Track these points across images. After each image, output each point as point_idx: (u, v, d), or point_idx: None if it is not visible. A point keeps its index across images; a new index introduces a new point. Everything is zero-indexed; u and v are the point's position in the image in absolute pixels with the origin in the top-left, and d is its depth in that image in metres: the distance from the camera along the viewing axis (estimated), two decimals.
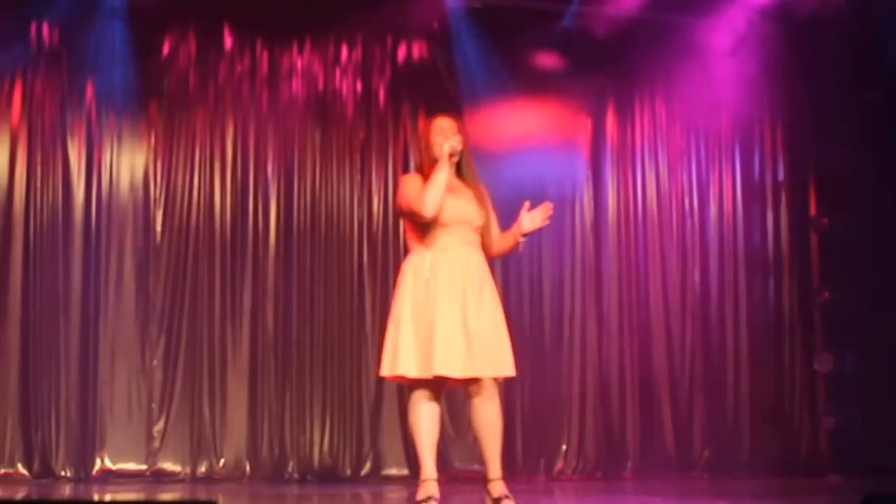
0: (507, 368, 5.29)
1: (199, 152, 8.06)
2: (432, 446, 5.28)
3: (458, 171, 5.36)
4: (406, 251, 5.47)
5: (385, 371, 5.31)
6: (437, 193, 5.21)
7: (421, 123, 5.48)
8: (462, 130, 5.38)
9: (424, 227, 5.29)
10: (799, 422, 8.61)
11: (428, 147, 5.36)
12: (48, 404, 7.64)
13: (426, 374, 5.17)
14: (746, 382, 8.57)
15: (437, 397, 5.31)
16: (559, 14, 8.43)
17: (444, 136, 5.31)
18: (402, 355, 5.20)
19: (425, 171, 5.36)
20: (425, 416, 5.27)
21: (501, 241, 5.45)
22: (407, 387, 5.44)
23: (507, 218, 5.28)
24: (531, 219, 5.35)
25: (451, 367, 5.15)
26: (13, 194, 7.78)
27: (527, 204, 5.38)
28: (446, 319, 5.17)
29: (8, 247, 7.73)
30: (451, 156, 5.27)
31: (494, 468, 5.27)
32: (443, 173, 5.24)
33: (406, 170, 8.26)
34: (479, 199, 5.38)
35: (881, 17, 8.23)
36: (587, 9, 8.38)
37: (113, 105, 7.93)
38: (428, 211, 5.21)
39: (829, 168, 8.74)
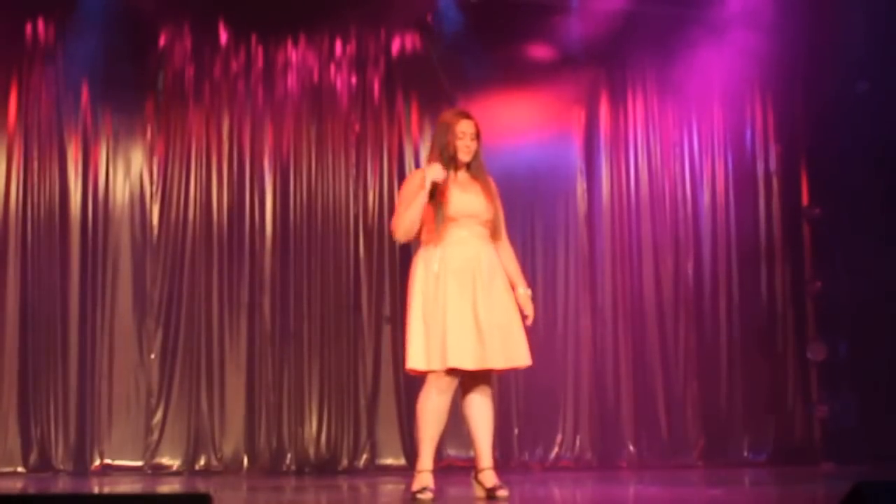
0: (523, 358, 5.37)
1: (195, 148, 8.08)
2: (433, 439, 5.35)
3: (468, 165, 5.45)
4: (417, 245, 5.54)
5: (407, 364, 5.37)
6: (410, 219, 5.35)
7: (438, 118, 5.53)
8: (480, 133, 5.48)
9: (434, 222, 5.37)
10: (792, 410, 8.66)
11: (446, 145, 5.42)
12: (46, 399, 7.68)
13: (439, 367, 5.24)
14: (740, 372, 8.62)
15: (450, 390, 5.33)
16: (552, 6, 8.45)
17: (465, 139, 5.41)
18: (413, 348, 5.29)
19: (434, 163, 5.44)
20: (433, 408, 5.32)
21: (506, 264, 5.49)
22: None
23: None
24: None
25: (464, 358, 5.22)
26: (10, 191, 7.81)
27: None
28: (457, 312, 5.25)
29: (5, 243, 7.76)
30: (432, 184, 5.34)
31: (486, 458, 5.36)
32: (421, 199, 5.34)
33: (401, 163, 8.31)
34: (488, 193, 5.45)
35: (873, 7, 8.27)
36: (580, 0, 8.41)
37: (109, 101, 7.96)
38: (399, 236, 5.44)
39: (821, 158, 8.78)
